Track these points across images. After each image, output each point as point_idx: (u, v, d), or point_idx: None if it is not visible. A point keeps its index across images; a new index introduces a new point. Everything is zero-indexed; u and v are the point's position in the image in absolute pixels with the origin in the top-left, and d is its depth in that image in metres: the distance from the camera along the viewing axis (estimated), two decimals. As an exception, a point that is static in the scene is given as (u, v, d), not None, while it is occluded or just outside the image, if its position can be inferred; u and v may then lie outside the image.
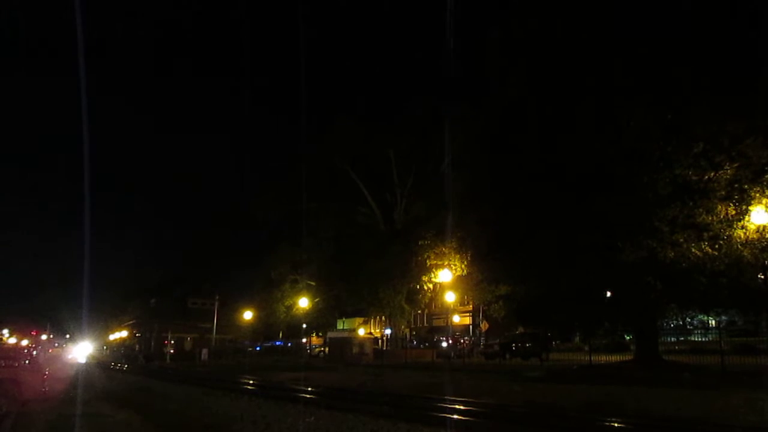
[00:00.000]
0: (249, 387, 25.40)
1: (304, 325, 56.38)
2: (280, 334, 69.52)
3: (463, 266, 38.21)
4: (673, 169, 20.43)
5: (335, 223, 51.38)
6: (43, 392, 24.92)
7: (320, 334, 63.10)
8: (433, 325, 57.62)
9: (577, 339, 37.50)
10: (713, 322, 31.66)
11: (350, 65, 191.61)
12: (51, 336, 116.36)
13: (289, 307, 52.91)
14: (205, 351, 71.01)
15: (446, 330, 50.73)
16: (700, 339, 32.25)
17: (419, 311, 53.98)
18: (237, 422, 14.00)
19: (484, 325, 45.38)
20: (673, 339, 34.45)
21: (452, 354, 41.40)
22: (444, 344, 48.14)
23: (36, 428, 14.63)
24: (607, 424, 12.31)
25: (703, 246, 20.74)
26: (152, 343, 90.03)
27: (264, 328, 65.06)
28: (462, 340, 46.33)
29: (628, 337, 34.30)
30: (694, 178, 20.53)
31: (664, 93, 20.34)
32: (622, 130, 21.16)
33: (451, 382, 22.62)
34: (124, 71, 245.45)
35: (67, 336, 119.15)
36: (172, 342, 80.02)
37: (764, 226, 19.87)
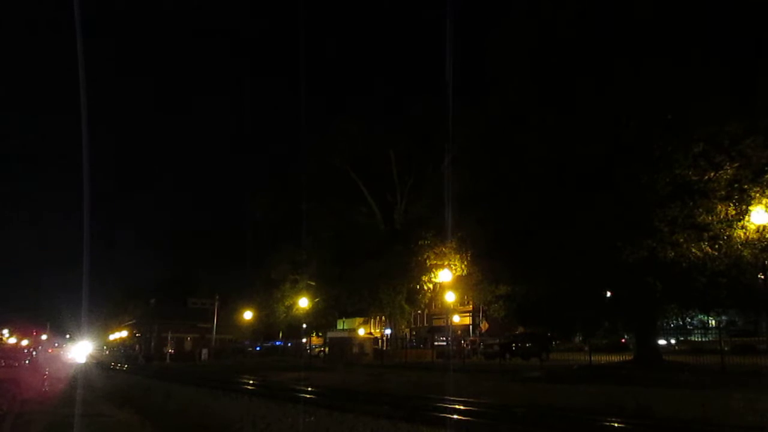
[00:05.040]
0: (249, 387, 25.41)
1: (304, 325, 56.35)
2: (280, 334, 69.52)
3: (463, 266, 38.20)
4: (673, 169, 20.42)
5: (335, 223, 51.37)
6: (43, 392, 24.90)
7: (320, 334, 63.08)
8: (433, 325, 57.58)
9: (577, 339, 37.47)
10: (713, 322, 31.65)
11: (351, 65, 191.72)
12: (51, 336, 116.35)
13: (289, 307, 52.89)
14: (205, 351, 70.95)
15: (446, 330, 50.68)
16: (700, 339, 32.25)
17: (419, 311, 53.96)
18: (237, 422, 14.00)
19: (484, 325, 45.34)
20: (673, 339, 34.47)
21: (452, 354, 41.38)
22: (444, 344, 48.11)
23: (36, 428, 14.62)
24: (607, 424, 12.30)
25: (703, 246, 20.73)
26: (152, 343, 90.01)
27: (264, 328, 65.03)
28: (464, 342, 46.25)
29: (628, 337, 34.27)
30: (694, 178, 20.52)
31: (664, 93, 20.33)
32: (622, 130, 21.15)
33: (451, 382, 22.62)
34: (125, 76, 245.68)
35: (67, 336, 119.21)
36: (172, 342, 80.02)
37: (764, 226, 19.86)
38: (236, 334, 76.73)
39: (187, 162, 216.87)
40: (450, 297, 38.73)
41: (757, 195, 19.78)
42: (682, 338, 34.55)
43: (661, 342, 34.47)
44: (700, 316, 30.81)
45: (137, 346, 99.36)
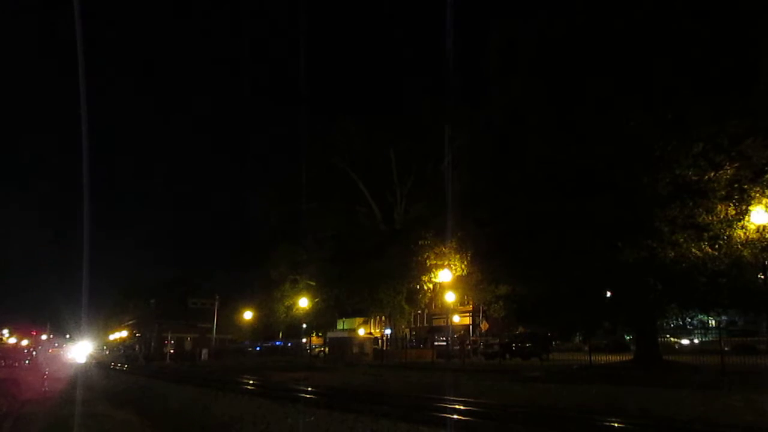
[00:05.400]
0: (249, 387, 25.40)
1: (304, 325, 56.34)
2: (280, 334, 69.51)
3: (463, 266, 38.20)
4: (673, 169, 20.41)
5: (335, 223, 51.36)
6: (43, 392, 24.91)
7: (320, 334, 63.09)
8: (433, 325, 57.59)
9: (577, 339, 37.51)
10: (713, 322, 31.68)
11: (351, 65, 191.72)
12: (51, 336, 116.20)
13: (289, 307, 52.88)
14: (205, 351, 71.01)
15: (446, 330, 50.66)
16: (700, 339, 32.32)
17: (419, 311, 53.95)
18: (237, 422, 14.00)
19: (484, 325, 45.33)
20: (673, 339, 34.52)
21: (453, 354, 41.38)
22: (444, 344, 48.08)
23: (36, 428, 14.63)
24: (607, 424, 12.29)
25: (703, 246, 20.72)
26: (152, 343, 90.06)
27: (264, 328, 65.03)
28: (467, 341, 46.18)
29: (628, 337, 34.29)
30: (694, 178, 20.51)
31: (664, 93, 20.32)
32: (622, 130, 21.14)
33: (451, 382, 22.61)
34: (125, 71, 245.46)
35: (67, 336, 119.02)
36: (172, 342, 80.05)
37: (764, 226, 19.86)
38: (236, 334, 76.72)
39: (188, 162, 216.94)
40: (450, 297, 38.73)
41: (757, 195, 19.77)
42: (681, 338, 34.63)
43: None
44: (700, 316, 30.85)
45: (137, 346, 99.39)
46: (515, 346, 38.06)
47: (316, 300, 50.85)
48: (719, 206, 20.29)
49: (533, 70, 23.84)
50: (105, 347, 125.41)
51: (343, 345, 52.31)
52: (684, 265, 20.98)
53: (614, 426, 12.16)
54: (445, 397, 17.44)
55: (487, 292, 34.92)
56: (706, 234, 20.71)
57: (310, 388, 23.42)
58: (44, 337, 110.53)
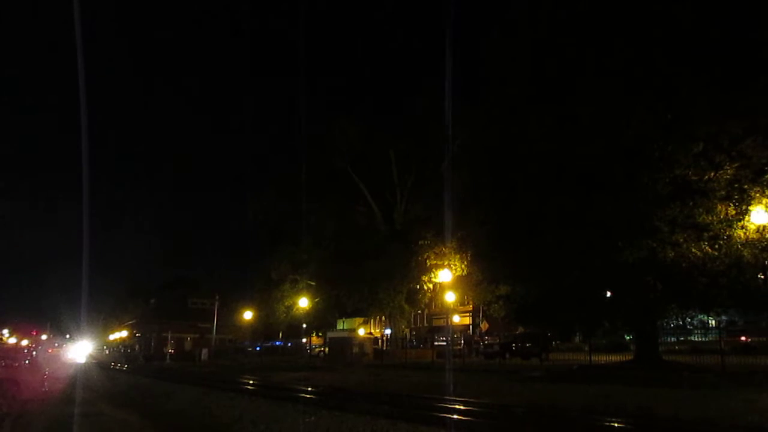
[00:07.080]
0: (249, 387, 25.42)
1: (304, 325, 56.36)
2: (280, 334, 69.55)
3: (463, 266, 38.23)
4: (673, 169, 20.40)
5: (335, 223, 51.38)
6: (43, 392, 24.91)
7: (320, 334, 63.11)
8: (433, 325, 57.58)
9: (577, 339, 37.50)
10: (713, 322, 31.66)
11: (351, 65, 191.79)
12: (51, 336, 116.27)
13: (289, 307, 52.87)
14: (205, 351, 71.04)
15: (446, 330, 50.66)
16: (700, 339, 32.30)
17: (419, 311, 53.96)
18: (237, 422, 14.00)
19: (484, 325, 45.36)
20: (673, 339, 34.49)
21: (455, 354, 41.37)
22: (444, 344, 48.06)
23: (36, 428, 14.63)
24: (607, 424, 12.30)
25: (703, 246, 20.72)
26: (152, 343, 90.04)
27: (264, 328, 65.06)
28: (473, 338, 46.05)
29: (628, 337, 34.28)
30: (694, 178, 20.50)
31: (664, 93, 20.32)
32: (622, 130, 21.14)
33: (451, 382, 22.59)
34: (122, 73, 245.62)
35: (67, 336, 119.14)
36: (172, 342, 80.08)
37: (764, 226, 19.85)
38: (236, 334, 76.70)
39: (188, 161, 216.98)
40: (450, 297, 38.73)
41: (757, 195, 19.76)
42: (682, 338, 34.60)
43: (661, 342, 34.19)
44: (700, 316, 30.82)
45: (137, 346, 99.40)
46: (515, 346, 38.05)
47: (316, 300, 50.84)
48: (719, 206, 20.28)
49: (532, 69, 23.83)
50: (105, 347, 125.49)
51: (343, 345, 52.28)
52: (684, 265, 20.97)
53: (614, 426, 12.16)
54: (445, 397, 17.44)
55: (487, 292, 34.94)
56: (706, 234, 20.70)
57: (309, 388, 23.44)
58: (44, 336, 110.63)
